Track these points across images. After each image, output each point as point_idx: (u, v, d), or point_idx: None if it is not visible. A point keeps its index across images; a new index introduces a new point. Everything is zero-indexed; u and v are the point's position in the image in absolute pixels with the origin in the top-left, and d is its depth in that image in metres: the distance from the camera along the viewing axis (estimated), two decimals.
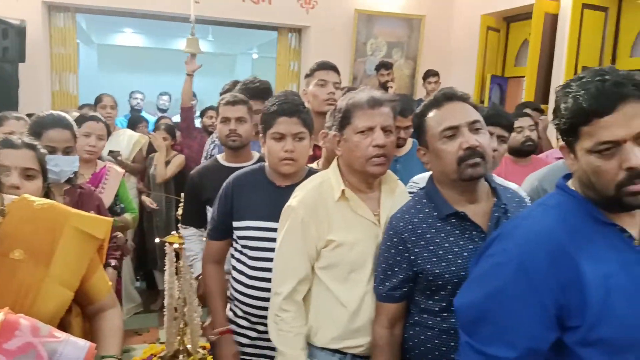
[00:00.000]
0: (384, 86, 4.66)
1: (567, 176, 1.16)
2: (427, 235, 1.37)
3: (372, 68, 5.30)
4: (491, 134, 1.80)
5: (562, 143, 1.11)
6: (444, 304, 1.33)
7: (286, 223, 1.54)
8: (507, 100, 5.25)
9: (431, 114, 1.40)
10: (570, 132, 1.05)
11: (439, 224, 1.37)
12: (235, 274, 1.81)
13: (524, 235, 1.09)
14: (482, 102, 5.24)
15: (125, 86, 7.01)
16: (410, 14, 5.56)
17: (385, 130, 1.47)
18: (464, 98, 1.40)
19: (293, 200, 1.55)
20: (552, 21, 4.28)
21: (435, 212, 1.39)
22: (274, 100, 1.74)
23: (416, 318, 1.42)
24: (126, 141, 3.95)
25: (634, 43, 4.07)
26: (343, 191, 1.50)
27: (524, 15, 4.56)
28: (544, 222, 1.09)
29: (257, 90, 2.58)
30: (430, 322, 1.38)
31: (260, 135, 1.78)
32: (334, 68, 2.48)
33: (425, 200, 1.43)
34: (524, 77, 4.69)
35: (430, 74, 5.05)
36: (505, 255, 1.08)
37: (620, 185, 1.00)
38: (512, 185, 1.87)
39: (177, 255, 2.52)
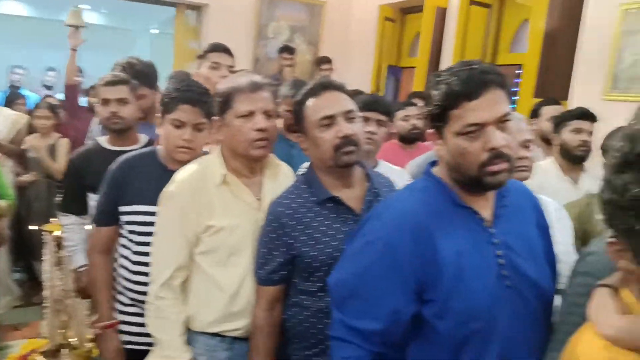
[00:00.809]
0: (285, 68, 4.66)
1: (434, 163, 1.26)
2: (305, 220, 1.41)
3: (274, 51, 5.28)
4: (369, 119, 1.92)
5: (431, 130, 1.20)
6: (320, 284, 1.40)
7: (164, 209, 1.52)
8: (402, 90, 5.49)
9: (309, 103, 1.45)
10: (440, 117, 1.12)
11: (316, 209, 1.43)
12: (121, 260, 1.77)
13: (391, 215, 1.18)
14: (378, 90, 5.44)
15: (5, 60, 6.36)
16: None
17: (267, 114, 1.49)
18: (340, 87, 1.47)
19: (171, 186, 1.53)
20: (442, 15, 4.53)
21: (313, 197, 1.44)
22: (179, 84, 1.72)
23: (294, 299, 1.47)
24: (1, 120, 3.61)
25: (513, 39, 4.43)
26: (225, 176, 1.50)
27: (418, 7, 4.78)
28: (409, 204, 1.19)
29: (139, 73, 2.39)
30: (307, 303, 1.44)
31: (158, 115, 1.73)
32: (227, 51, 2.44)
33: (304, 186, 1.48)
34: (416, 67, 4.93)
35: (323, 60, 5.08)
36: (374, 234, 1.17)
37: (482, 165, 1.09)
38: (397, 169, 2.06)
39: (59, 245, 2.37)
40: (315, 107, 1.43)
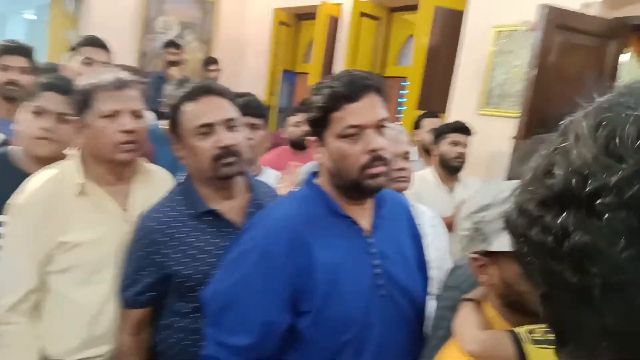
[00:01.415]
0: (172, 65, 4.44)
1: (316, 173, 1.24)
2: (179, 235, 1.31)
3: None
4: (254, 125, 1.85)
5: (312, 137, 1.18)
6: (195, 305, 1.30)
7: (12, 224, 1.32)
8: (296, 95, 5.51)
9: (186, 108, 1.33)
10: (322, 121, 1.12)
11: (192, 223, 1.33)
12: None
13: (268, 223, 1.15)
14: (273, 94, 5.41)
15: None
16: None
17: (135, 114, 1.36)
18: (221, 92, 1.37)
19: (21, 197, 1.33)
20: (334, 24, 4.62)
21: (189, 210, 1.34)
22: (48, 73, 1.53)
23: (166, 321, 1.35)
24: None
25: (399, 53, 4.64)
26: (82, 185, 1.34)
27: (311, 14, 4.83)
28: (287, 212, 1.17)
29: None
30: (181, 324, 1.32)
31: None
32: (103, 46, 2.24)
33: (180, 197, 1.36)
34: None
35: (210, 61, 4.90)
36: (250, 243, 1.13)
37: (363, 167, 1.10)
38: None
39: None
40: (193, 114, 1.31)
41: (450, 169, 2.63)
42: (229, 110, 1.35)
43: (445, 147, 2.61)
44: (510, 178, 1.40)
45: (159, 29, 5.23)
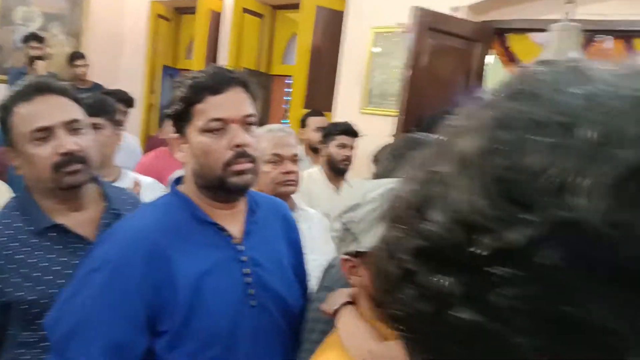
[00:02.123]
0: (35, 59, 4.01)
1: (180, 178, 1.15)
2: (19, 256, 1.13)
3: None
4: (96, 125, 1.68)
5: (175, 135, 1.10)
6: (43, 333, 1.14)
7: None
8: None
9: (19, 109, 1.16)
10: (184, 116, 1.06)
11: (34, 241, 1.15)
12: None
13: (121, 236, 1.05)
14: (153, 92, 5.11)
15: None
16: None
17: None
18: (61, 90, 1.20)
19: None
20: (216, 19, 4.47)
21: (29, 226, 1.16)
22: None
23: (10, 354, 1.16)
24: None
25: (284, 52, 4.61)
26: None
27: (192, 8, 4.63)
28: (143, 222, 1.08)
29: None
30: (26, 357, 1.15)
31: None
32: None
33: (17, 212, 1.18)
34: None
35: (76, 56, 4.48)
36: (101, 259, 1.02)
37: (227, 164, 1.04)
38: (149, 181, 1.88)
39: None
40: (27, 116, 1.15)
41: (337, 171, 2.65)
42: (71, 110, 1.19)
43: (333, 149, 2.63)
44: (377, 176, 1.40)
45: (18, 20, 4.70)
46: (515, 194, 0.21)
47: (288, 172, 1.71)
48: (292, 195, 1.84)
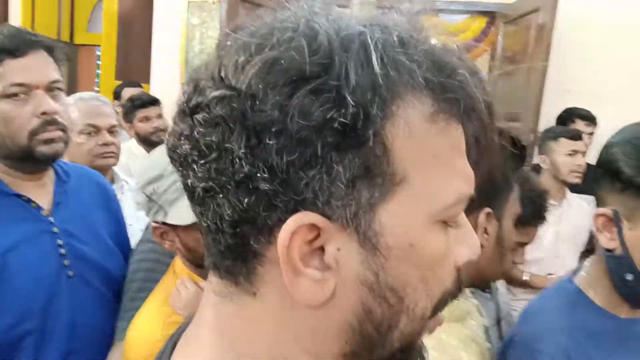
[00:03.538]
0: None
1: None
2: None
3: None
4: None
5: None
6: None
7: None
8: None
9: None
10: None
11: None
12: None
13: None
14: None
15: None
16: None
17: None
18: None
19: None
20: None
21: None
22: None
23: None
24: None
25: (89, 20, 4.25)
26: None
27: None
28: None
29: None
30: None
31: None
32: None
33: None
34: None
35: None
36: None
37: (33, 132, 0.99)
38: None
39: None
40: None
41: (151, 143, 2.57)
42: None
43: (138, 123, 2.52)
44: None
45: None
46: (211, 75, 0.33)
47: (105, 144, 1.65)
48: (112, 168, 1.79)
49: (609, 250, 0.80)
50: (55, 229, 1.06)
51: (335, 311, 0.34)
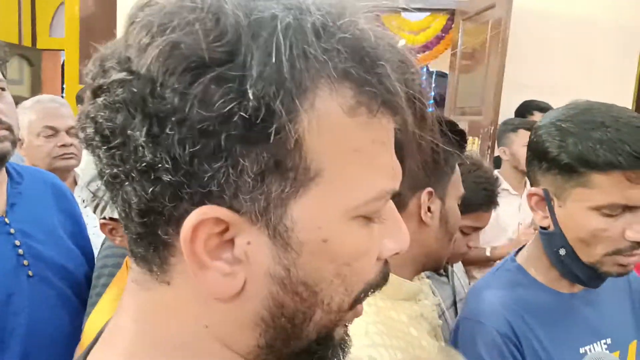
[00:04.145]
0: None
1: None
2: None
3: None
4: None
5: None
6: None
7: None
8: None
9: None
10: None
11: None
12: None
13: None
14: None
15: None
16: None
17: None
18: None
19: None
20: None
21: None
22: None
23: None
24: None
25: (51, 24, 4.18)
26: None
27: None
28: None
29: None
30: None
31: None
32: None
33: None
34: None
35: None
36: None
37: None
38: None
39: None
40: None
41: None
42: None
43: None
44: None
45: None
46: (118, 55, 0.32)
47: (65, 145, 1.64)
48: (74, 170, 1.78)
49: (543, 228, 0.85)
50: (11, 230, 1.06)
51: (247, 304, 0.34)
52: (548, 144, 0.80)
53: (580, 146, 0.75)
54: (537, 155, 0.82)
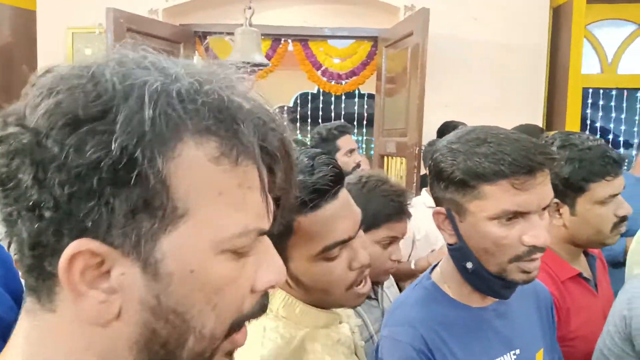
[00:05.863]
0: None
1: None
2: None
3: None
4: None
5: None
6: None
7: None
8: None
9: None
10: None
11: None
12: None
13: None
14: None
15: None
16: None
17: None
18: None
19: None
20: None
21: None
22: None
23: None
24: None
25: None
26: None
27: None
28: None
29: None
30: None
31: None
32: None
33: None
34: None
35: None
36: None
37: None
38: None
39: None
40: None
41: None
42: None
43: None
44: None
45: None
46: (18, 112, 0.37)
47: None
48: None
49: (451, 245, 0.90)
50: None
51: (122, 330, 0.38)
52: (443, 164, 0.86)
53: (469, 161, 0.82)
54: (436, 175, 0.88)
